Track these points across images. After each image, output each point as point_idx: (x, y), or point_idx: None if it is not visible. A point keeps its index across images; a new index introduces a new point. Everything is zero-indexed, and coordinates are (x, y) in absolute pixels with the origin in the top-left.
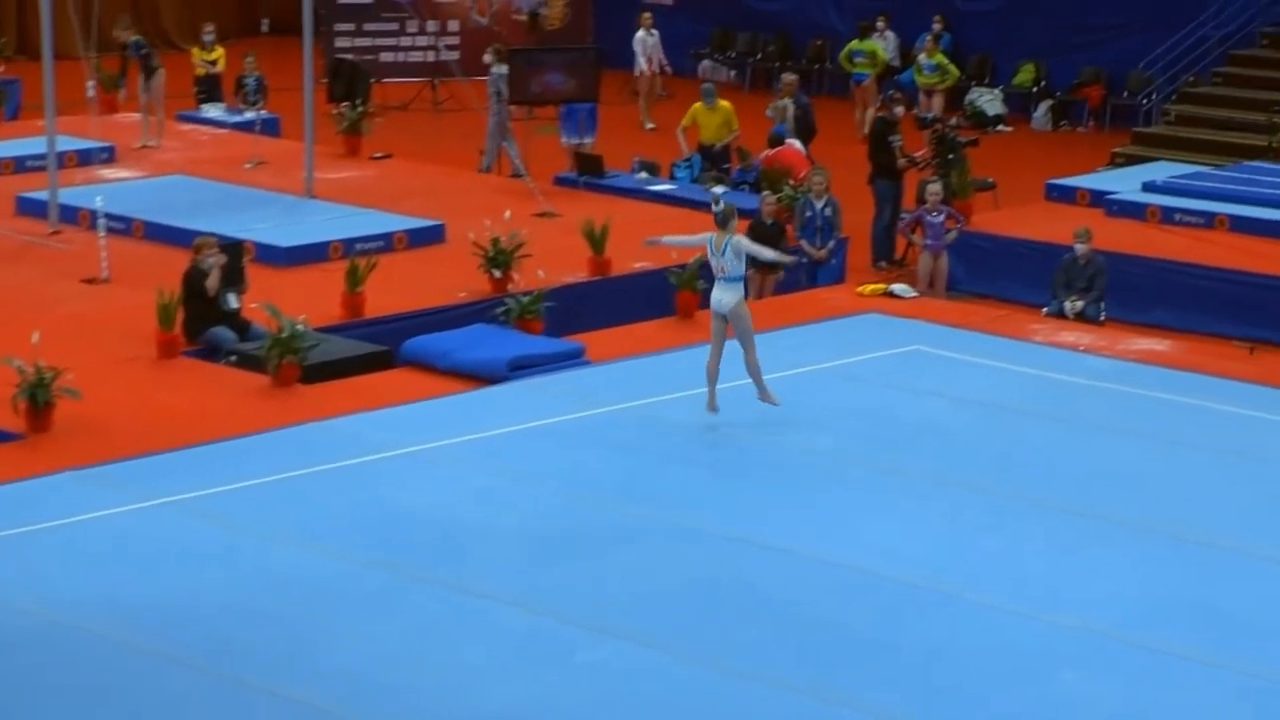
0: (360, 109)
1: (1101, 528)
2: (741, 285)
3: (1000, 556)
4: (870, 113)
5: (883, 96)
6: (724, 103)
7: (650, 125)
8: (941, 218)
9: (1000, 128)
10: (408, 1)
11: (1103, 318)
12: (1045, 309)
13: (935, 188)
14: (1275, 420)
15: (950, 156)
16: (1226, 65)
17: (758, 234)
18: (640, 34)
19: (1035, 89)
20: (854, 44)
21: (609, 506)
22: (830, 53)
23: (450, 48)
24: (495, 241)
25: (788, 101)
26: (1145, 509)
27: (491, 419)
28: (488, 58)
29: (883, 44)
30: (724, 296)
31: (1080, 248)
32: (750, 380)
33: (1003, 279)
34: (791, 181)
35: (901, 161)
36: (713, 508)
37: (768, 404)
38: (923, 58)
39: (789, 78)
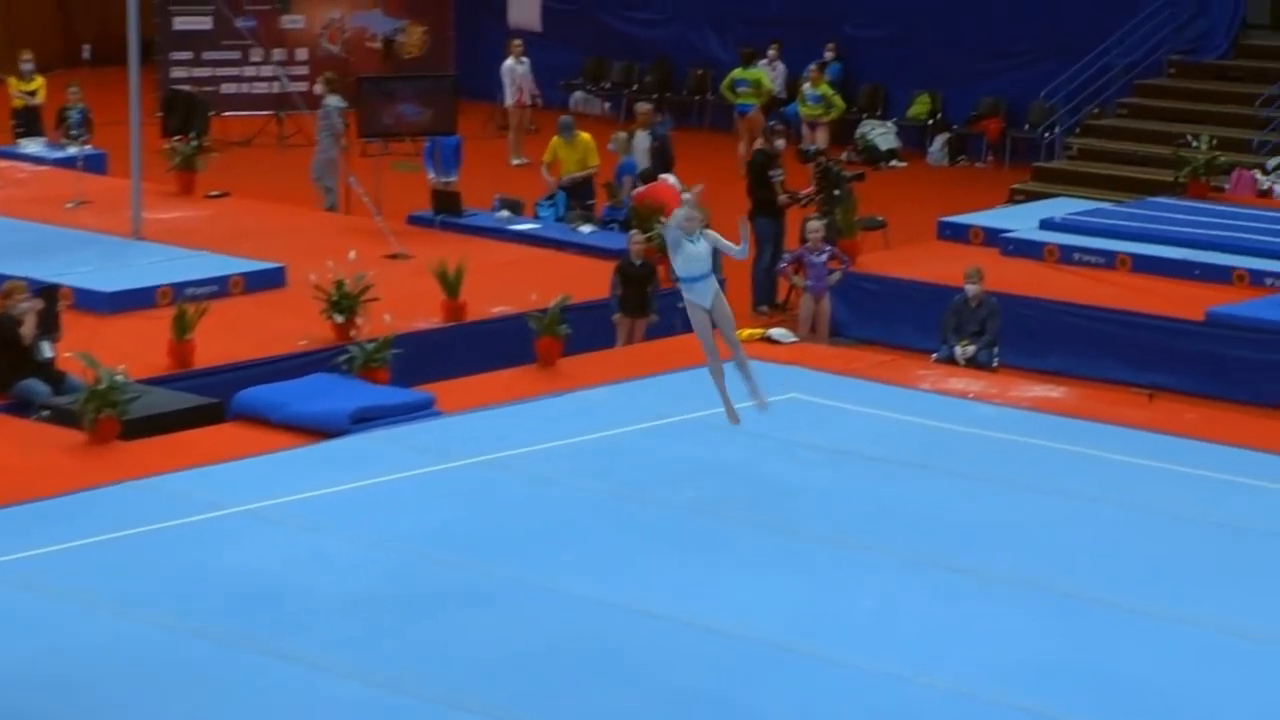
0: (195, 144)
1: (982, 585)
2: (715, 279)
3: (875, 616)
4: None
5: (764, 128)
6: (584, 135)
7: (519, 160)
8: (824, 258)
9: (893, 163)
10: (250, 28)
11: (996, 363)
12: (934, 355)
13: (817, 225)
14: (1170, 469)
15: (835, 192)
16: (1132, 95)
17: (626, 276)
18: (509, 62)
19: (931, 121)
20: (737, 73)
21: (454, 566)
22: (712, 83)
23: (297, 78)
24: (339, 285)
25: (628, 135)
26: (1029, 564)
27: (329, 475)
28: (319, 88)
29: (770, 73)
30: (704, 293)
31: (971, 288)
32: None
33: (891, 323)
34: (663, 219)
35: (783, 198)
36: (567, 566)
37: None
38: (807, 87)
39: (643, 107)
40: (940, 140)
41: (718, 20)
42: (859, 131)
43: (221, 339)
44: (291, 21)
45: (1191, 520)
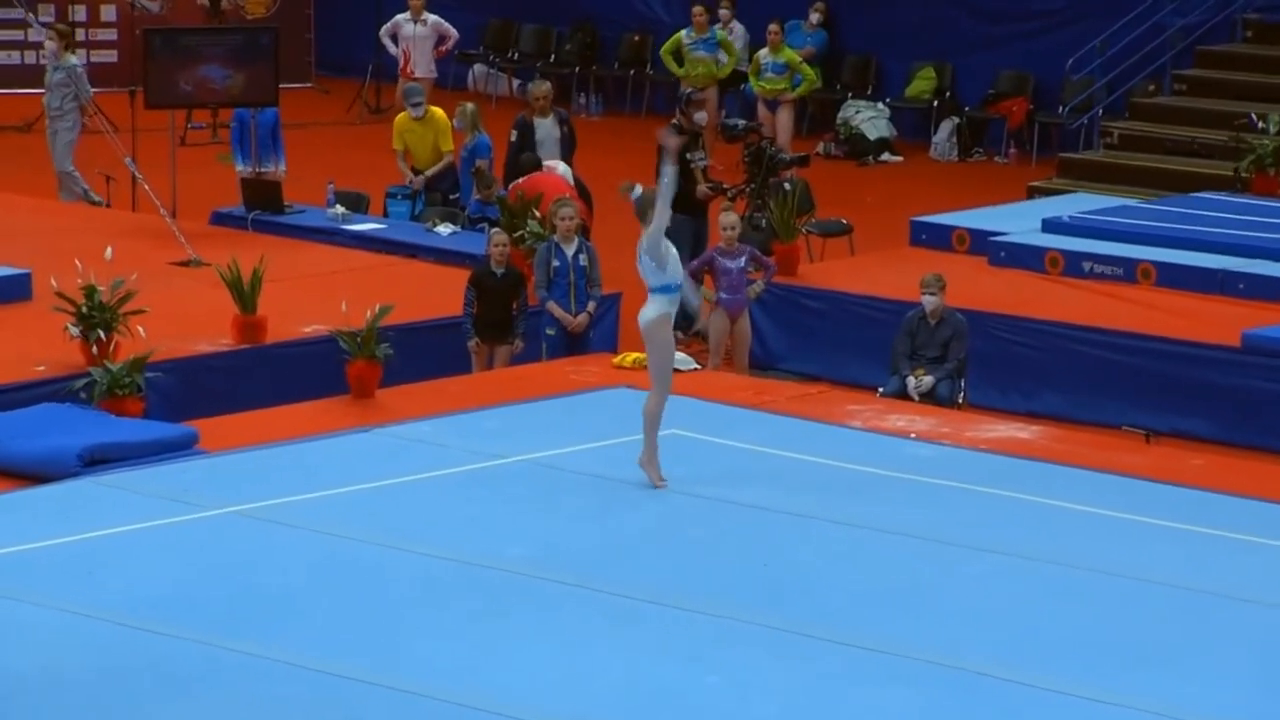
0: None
1: (859, 659)
2: (662, 299)
3: (718, 694)
4: None
5: (680, 99)
6: (437, 112)
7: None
8: (741, 262)
9: (885, 157)
10: None
11: (961, 399)
12: (881, 388)
13: (732, 219)
14: (1147, 523)
15: (771, 181)
16: (1193, 67)
17: (483, 289)
18: (401, 19)
19: (936, 103)
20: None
21: (171, 639)
22: (652, 51)
23: (103, 45)
24: (90, 293)
25: (475, 107)
26: (924, 636)
27: (39, 528)
28: (49, 43)
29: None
30: (644, 311)
31: (929, 301)
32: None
33: (840, 353)
34: (537, 215)
35: (703, 188)
36: (316, 637)
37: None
38: (764, 54)
39: (540, 87)
40: (947, 127)
41: None
42: (841, 116)
43: None
44: None
45: (1156, 583)
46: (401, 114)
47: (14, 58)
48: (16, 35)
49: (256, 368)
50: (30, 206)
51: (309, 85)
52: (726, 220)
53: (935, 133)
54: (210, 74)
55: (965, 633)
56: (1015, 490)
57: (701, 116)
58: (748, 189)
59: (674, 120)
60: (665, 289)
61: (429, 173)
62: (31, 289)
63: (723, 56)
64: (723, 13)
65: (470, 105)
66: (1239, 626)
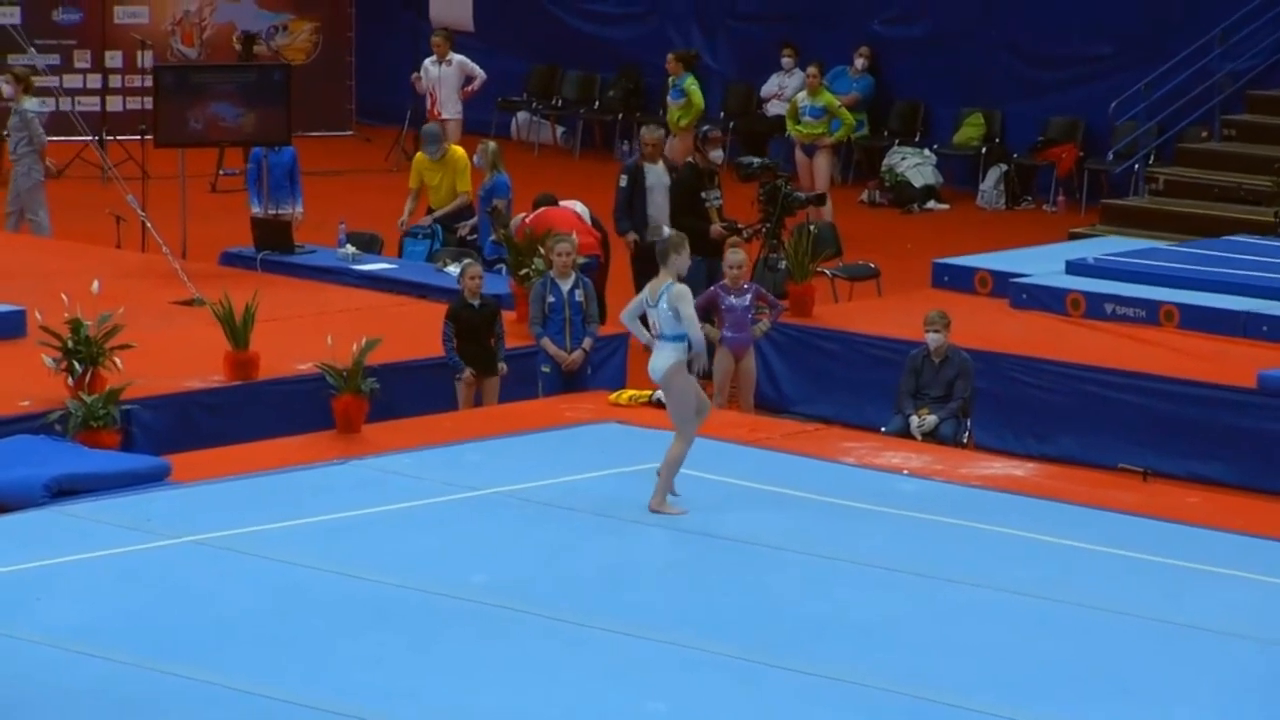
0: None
1: (812, 687)
2: (680, 348)
3: None
4: None
5: (697, 136)
6: (457, 151)
7: None
8: (747, 300)
9: (930, 205)
10: (73, 23)
11: (966, 438)
12: (884, 427)
13: (738, 257)
14: (1132, 557)
15: (797, 224)
16: (1244, 112)
17: (460, 323)
18: (428, 63)
19: (984, 150)
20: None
21: (121, 662)
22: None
23: (139, 92)
24: (77, 327)
25: (498, 146)
26: (884, 665)
27: None
28: (6, 87)
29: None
30: (656, 360)
31: (933, 339)
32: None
33: (855, 394)
34: (544, 254)
35: (717, 227)
36: (260, 664)
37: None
38: (802, 97)
39: (653, 133)
40: (995, 174)
41: (704, 15)
42: (886, 163)
43: None
44: (131, 15)
45: (1131, 615)
46: (420, 153)
47: (48, 104)
48: (51, 81)
49: (247, 404)
50: (40, 246)
51: (350, 133)
52: (732, 259)
53: (983, 180)
54: (221, 111)
55: (927, 663)
56: (1001, 525)
57: (718, 154)
58: (763, 228)
59: (690, 159)
60: (680, 337)
61: (440, 212)
62: (26, 326)
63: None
64: (785, 60)
65: (491, 144)
66: (1209, 658)
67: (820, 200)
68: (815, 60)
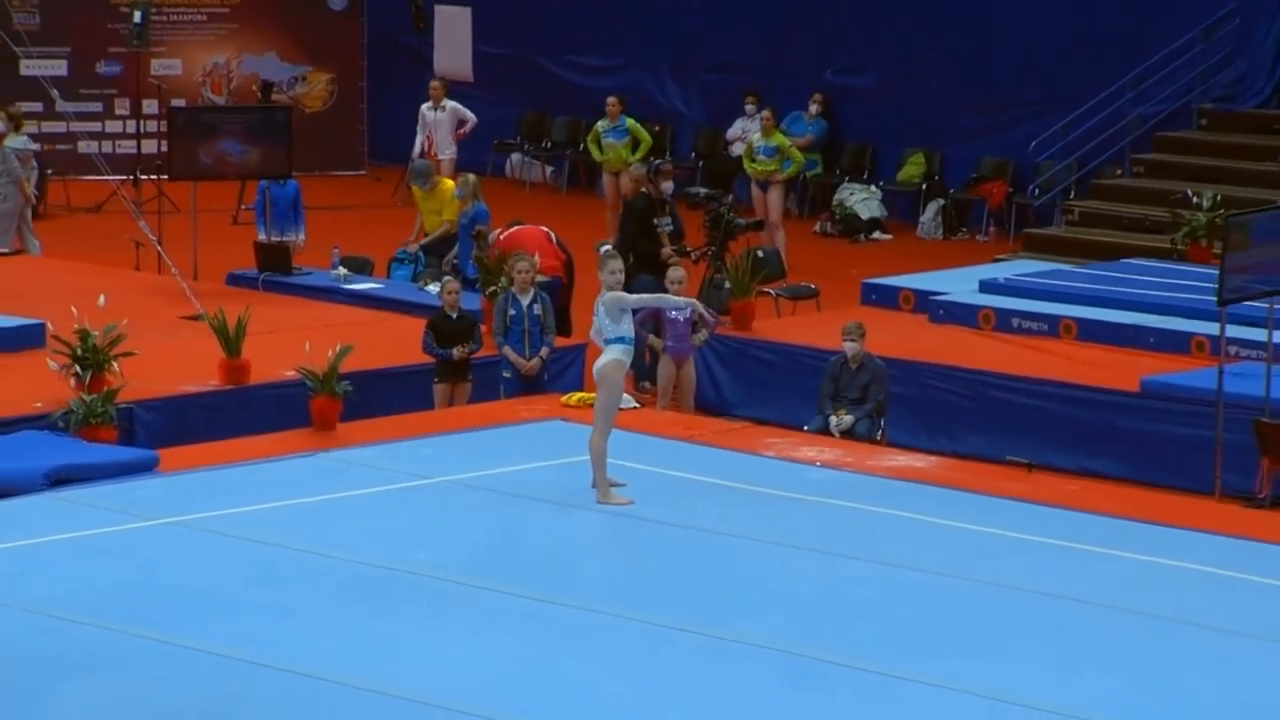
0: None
1: (709, 646)
2: (618, 348)
3: (575, 678)
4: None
5: (649, 168)
6: (446, 183)
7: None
8: (687, 312)
9: (875, 235)
10: (114, 75)
11: (880, 436)
12: (806, 426)
13: (679, 274)
14: (1005, 536)
15: (744, 250)
16: (1152, 151)
17: (440, 333)
18: (425, 108)
19: (925, 186)
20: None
21: (92, 625)
22: (674, 140)
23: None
24: (84, 336)
25: (477, 178)
26: (775, 628)
27: None
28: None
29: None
30: (600, 360)
31: (850, 347)
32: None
33: (788, 398)
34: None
35: (668, 250)
36: (231, 628)
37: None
38: (756, 138)
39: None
40: (933, 208)
41: (677, 67)
42: (837, 198)
43: None
44: (166, 67)
45: (1003, 586)
46: (413, 187)
47: (91, 147)
48: (94, 126)
49: (238, 406)
50: (74, 269)
51: (363, 173)
52: (673, 275)
53: (923, 213)
54: (228, 148)
55: (817, 627)
56: (895, 509)
57: (668, 185)
58: (708, 251)
59: (644, 189)
60: (621, 340)
61: (427, 239)
62: (44, 337)
63: (782, 158)
64: (749, 107)
65: (472, 176)
66: (1058, 622)
67: (759, 226)
68: (771, 106)
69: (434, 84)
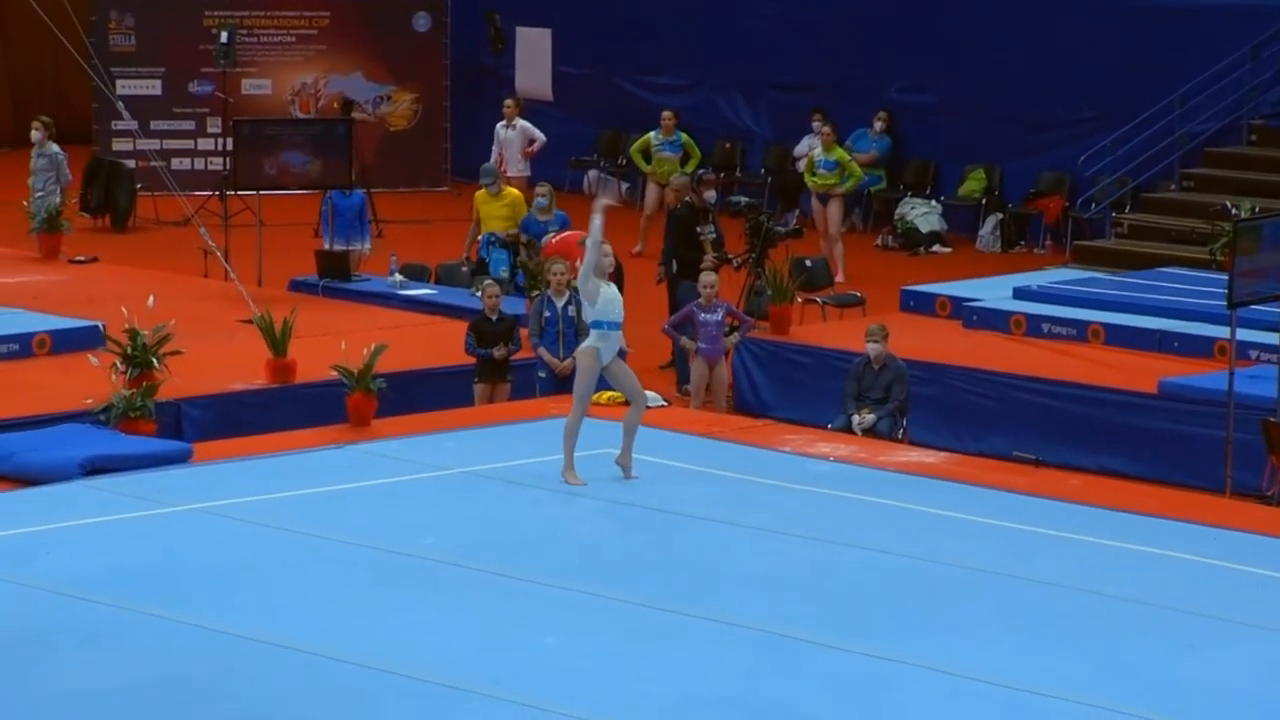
0: (59, 206)
1: (696, 626)
2: (593, 334)
3: (549, 653)
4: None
5: (693, 177)
6: (512, 190)
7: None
8: (719, 315)
9: (936, 248)
10: (206, 94)
11: (901, 434)
12: (830, 425)
13: (710, 278)
14: (998, 525)
15: (792, 258)
16: (1201, 166)
17: (481, 334)
18: (499, 127)
19: (984, 200)
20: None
21: (101, 603)
22: (744, 157)
23: None
24: (134, 335)
25: (552, 189)
26: (763, 610)
27: (19, 518)
28: (35, 133)
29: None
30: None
31: (872, 348)
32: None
33: (822, 401)
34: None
35: (710, 258)
36: (226, 605)
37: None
38: (817, 153)
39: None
40: (992, 222)
41: (748, 85)
42: (898, 212)
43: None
44: (256, 86)
45: (985, 572)
46: (480, 190)
47: (184, 164)
48: (187, 144)
49: (282, 403)
50: (146, 277)
51: (446, 189)
52: (705, 279)
53: (982, 227)
54: (291, 160)
55: (796, 607)
56: (893, 499)
57: (711, 195)
58: (749, 258)
59: (687, 198)
60: (595, 325)
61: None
62: (103, 338)
63: (843, 172)
64: (815, 124)
65: (548, 185)
66: (1035, 605)
67: (798, 234)
68: (835, 123)
69: (507, 103)
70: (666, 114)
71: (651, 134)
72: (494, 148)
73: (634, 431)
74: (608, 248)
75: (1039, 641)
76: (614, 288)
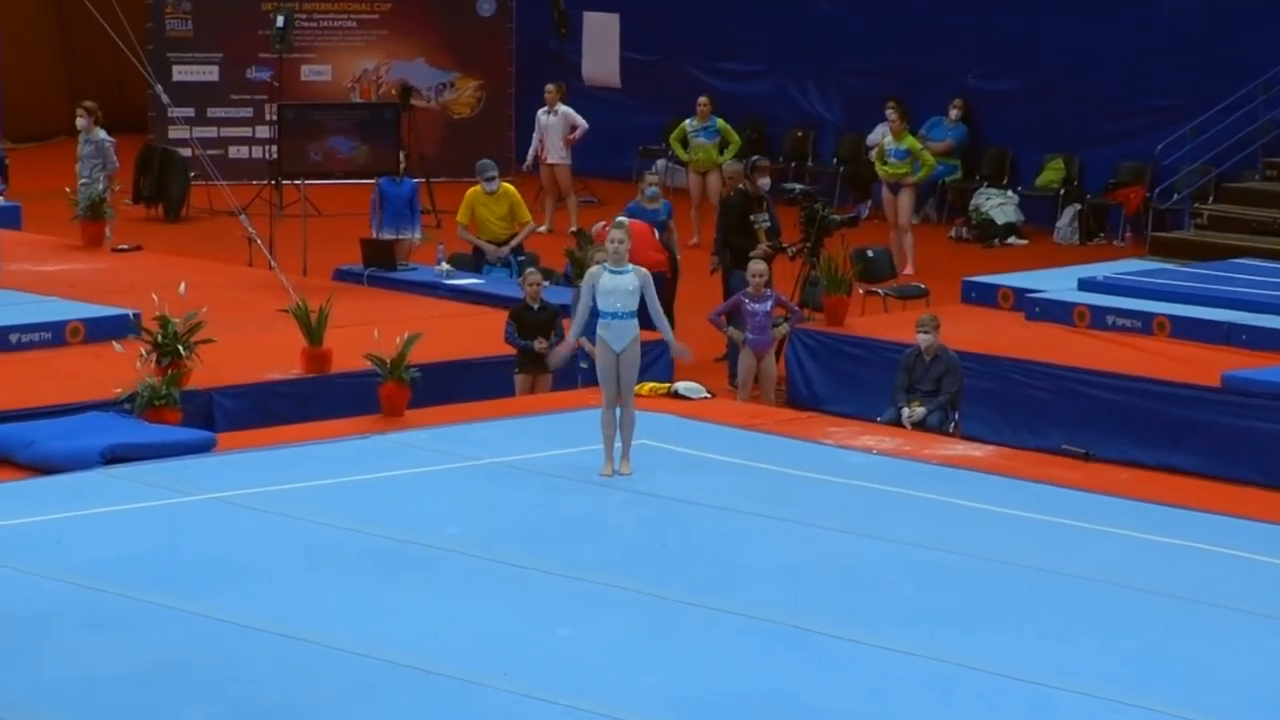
0: (104, 193)
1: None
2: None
3: (562, 643)
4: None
5: (746, 164)
6: (508, 187)
7: (541, 228)
8: (767, 306)
9: (1012, 240)
10: (264, 80)
11: (953, 428)
12: (879, 418)
13: (759, 267)
14: (1041, 520)
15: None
16: None
17: (523, 323)
18: (539, 114)
19: (1062, 191)
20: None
21: (110, 592)
22: (816, 146)
23: None
24: (165, 323)
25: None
26: (784, 602)
27: (37, 507)
28: (80, 121)
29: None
30: None
31: (923, 340)
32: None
33: (877, 394)
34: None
35: (763, 247)
36: (235, 594)
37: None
38: (888, 141)
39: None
40: (1070, 213)
41: (820, 72)
42: (973, 203)
43: (18, 388)
44: (315, 73)
45: (1023, 566)
46: (474, 188)
47: (241, 152)
48: (245, 132)
49: (317, 393)
50: (189, 265)
51: (510, 178)
52: (753, 268)
53: (1060, 218)
54: (338, 145)
55: (813, 599)
56: (929, 492)
57: (765, 182)
58: (804, 247)
59: (741, 185)
60: (599, 315)
61: (515, 241)
62: (139, 327)
63: (913, 161)
64: (889, 112)
65: (656, 175)
66: (1060, 597)
67: (853, 223)
68: (910, 110)
69: (549, 88)
70: (702, 99)
71: (687, 121)
72: (534, 135)
73: (625, 428)
74: (619, 233)
75: (1071, 635)
76: (621, 277)
